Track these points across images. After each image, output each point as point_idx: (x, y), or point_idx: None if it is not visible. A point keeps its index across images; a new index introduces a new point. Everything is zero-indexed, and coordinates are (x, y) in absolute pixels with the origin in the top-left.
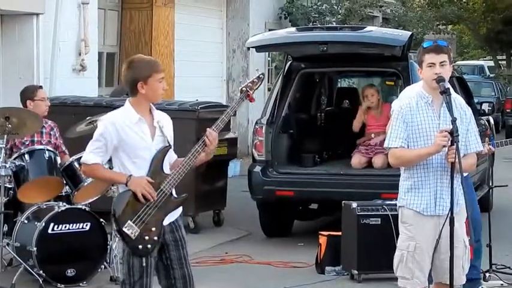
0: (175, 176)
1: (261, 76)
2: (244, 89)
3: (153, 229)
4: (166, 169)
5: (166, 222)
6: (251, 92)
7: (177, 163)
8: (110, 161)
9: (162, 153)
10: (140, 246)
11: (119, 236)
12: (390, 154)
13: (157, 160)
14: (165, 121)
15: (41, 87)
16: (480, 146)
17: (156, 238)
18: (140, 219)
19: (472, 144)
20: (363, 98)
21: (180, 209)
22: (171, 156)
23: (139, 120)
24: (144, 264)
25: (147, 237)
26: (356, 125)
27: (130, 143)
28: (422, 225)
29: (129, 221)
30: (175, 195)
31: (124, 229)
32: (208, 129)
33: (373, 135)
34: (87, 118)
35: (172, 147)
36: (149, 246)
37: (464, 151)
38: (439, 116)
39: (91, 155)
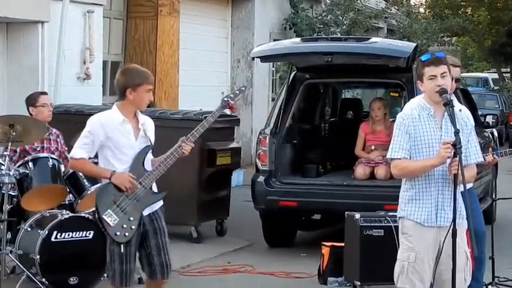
0: (154, 173)
1: (242, 88)
2: (225, 98)
3: (131, 219)
4: (148, 166)
5: (146, 212)
6: (231, 102)
7: (155, 162)
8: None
9: (144, 152)
10: (118, 233)
11: (99, 223)
12: (393, 165)
13: (139, 158)
14: (148, 124)
15: (44, 93)
16: (480, 157)
17: (133, 227)
18: (120, 209)
19: (472, 155)
20: (370, 109)
21: (161, 202)
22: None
23: (123, 121)
24: (122, 251)
25: (125, 226)
26: (358, 150)
27: (115, 141)
28: (423, 236)
29: (109, 210)
30: (155, 191)
31: (104, 217)
32: (183, 143)
33: (372, 147)
34: None
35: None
36: (127, 234)
37: (464, 162)
38: (440, 128)
39: (79, 150)
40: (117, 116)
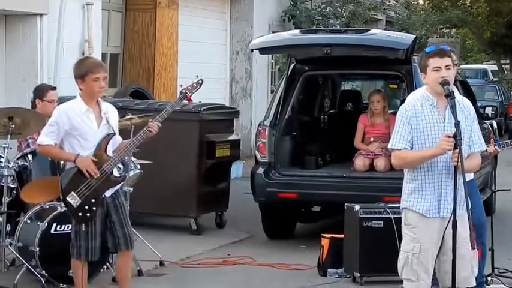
0: (116, 158)
1: (200, 81)
2: (184, 90)
3: (93, 200)
4: (110, 152)
5: (108, 194)
6: (189, 94)
7: (121, 145)
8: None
9: (106, 139)
10: (80, 214)
11: (63, 204)
12: (394, 155)
13: (102, 144)
14: (110, 112)
15: (54, 88)
16: (483, 145)
17: (94, 208)
18: (82, 192)
19: (475, 144)
20: (369, 102)
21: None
22: (116, 141)
23: (87, 110)
24: (84, 229)
25: (87, 207)
26: (357, 142)
27: (79, 129)
28: (426, 226)
29: (72, 192)
30: (117, 175)
31: (67, 198)
32: (151, 123)
33: (371, 139)
34: None
35: (117, 133)
36: (88, 214)
37: (467, 151)
38: (444, 119)
39: (45, 137)
40: (81, 105)
